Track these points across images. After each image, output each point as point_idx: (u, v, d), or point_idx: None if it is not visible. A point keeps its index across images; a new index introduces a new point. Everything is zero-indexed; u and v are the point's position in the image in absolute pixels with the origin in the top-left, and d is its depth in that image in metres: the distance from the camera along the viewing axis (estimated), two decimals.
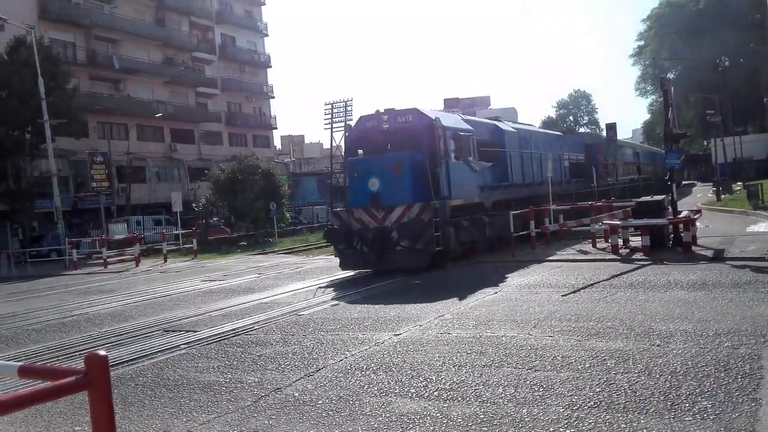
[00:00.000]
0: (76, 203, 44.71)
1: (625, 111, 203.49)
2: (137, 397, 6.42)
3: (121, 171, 46.70)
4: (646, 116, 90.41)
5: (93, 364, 3.33)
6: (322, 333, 8.93)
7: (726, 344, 6.59)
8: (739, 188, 39.73)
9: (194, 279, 18.43)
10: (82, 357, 8.60)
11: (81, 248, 31.13)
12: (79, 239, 32.38)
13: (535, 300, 10.15)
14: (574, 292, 10.70)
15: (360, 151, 17.12)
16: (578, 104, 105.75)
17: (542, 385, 5.68)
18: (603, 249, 16.74)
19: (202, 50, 60.15)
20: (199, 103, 59.23)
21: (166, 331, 10.19)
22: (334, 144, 47.20)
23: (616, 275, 12.21)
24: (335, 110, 48.97)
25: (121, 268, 25.77)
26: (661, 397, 5.14)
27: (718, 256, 13.54)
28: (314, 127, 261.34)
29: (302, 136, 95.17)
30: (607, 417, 4.81)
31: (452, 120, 17.29)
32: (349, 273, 16.00)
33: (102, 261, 27.02)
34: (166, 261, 26.43)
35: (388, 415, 5.29)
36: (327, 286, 14.32)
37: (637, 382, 5.58)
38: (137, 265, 25.46)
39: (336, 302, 11.90)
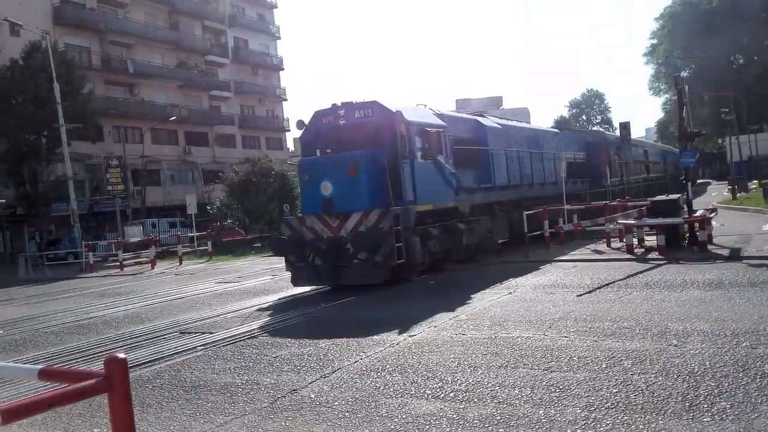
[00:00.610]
0: (92, 206, 45.14)
1: (638, 110, 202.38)
2: (155, 399, 6.47)
3: (136, 174, 47.10)
4: (659, 115, 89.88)
5: (113, 366, 3.36)
6: (337, 334, 8.94)
7: (744, 344, 6.54)
8: (754, 186, 39.38)
9: (209, 281, 18.51)
10: (100, 359, 8.70)
11: (97, 251, 31.38)
12: (95, 242, 32.65)
13: (550, 300, 10.12)
14: (589, 292, 10.65)
15: (318, 152, 15.23)
16: (591, 103, 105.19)
17: (559, 386, 5.66)
18: (618, 249, 16.64)
19: (215, 53, 60.53)
20: (213, 106, 59.61)
21: (182, 333, 10.25)
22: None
23: (632, 275, 12.13)
24: None
25: (136, 270, 25.96)
26: (680, 398, 5.11)
27: (735, 255, 13.43)
28: None
29: None
30: (625, 418, 4.79)
31: (419, 114, 15.33)
32: None
33: (118, 263, 27.23)
34: (181, 263, 26.58)
35: (404, 416, 5.30)
36: (341, 287, 14.32)
37: (654, 382, 5.54)
38: (153, 268, 25.63)
39: (349, 304, 11.91)
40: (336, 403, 5.79)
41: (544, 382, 5.81)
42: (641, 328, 7.58)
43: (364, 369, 6.87)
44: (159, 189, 51.17)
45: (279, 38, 69.73)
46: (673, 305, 8.89)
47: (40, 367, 4.06)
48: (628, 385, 5.54)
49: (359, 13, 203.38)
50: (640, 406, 5.01)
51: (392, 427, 5.08)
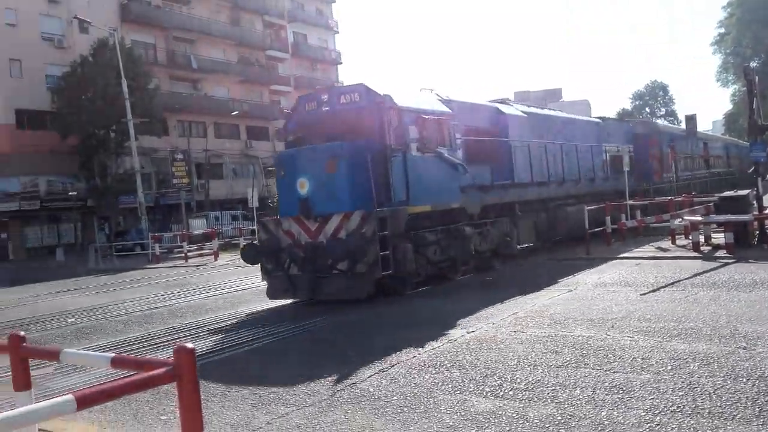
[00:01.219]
0: (158, 199, 46.54)
1: (705, 102, 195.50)
2: (219, 388, 6.64)
3: (200, 168, 48.29)
4: (728, 107, 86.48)
5: (182, 356, 3.49)
6: (394, 329, 8.99)
7: None
8: None
9: None
10: (166, 348, 8.98)
11: (163, 243, 32.35)
12: (161, 234, 33.72)
13: (612, 299, 9.91)
14: (653, 291, 10.38)
15: (303, 144, 13.21)
16: (655, 95, 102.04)
17: (621, 388, 5.55)
18: (683, 246, 16.17)
19: (275, 48, 61.40)
20: (273, 101, 60.48)
21: (244, 324, 10.49)
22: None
23: (698, 274, 11.77)
24: None
25: (200, 261, 26.64)
26: (749, 403, 4.94)
27: None
28: None
29: None
30: (692, 422, 4.66)
31: (416, 100, 13.37)
32: None
33: (183, 255, 28.03)
34: None
35: (463, 413, 5.29)
36: None
37: (722, 386, 5.38)
38: (216, 259, 26.25)
39: (408, 297, 11.94)
40: (394, 398, 5.83)
41: (607, 383, 5.71)
42: (708, 330, 7.35)
43: (421, 364, 6.89)
44: (221, 182, 52.32)
45: (337, 32, 70.25)
46: (742, 306, 8.59)
47: (112, 355, 4.24)
48: (694, 388, 5.39)
49: (417, 6, 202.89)
50: (707, 411, 4.86)
51: (451, 423, 5.08)
